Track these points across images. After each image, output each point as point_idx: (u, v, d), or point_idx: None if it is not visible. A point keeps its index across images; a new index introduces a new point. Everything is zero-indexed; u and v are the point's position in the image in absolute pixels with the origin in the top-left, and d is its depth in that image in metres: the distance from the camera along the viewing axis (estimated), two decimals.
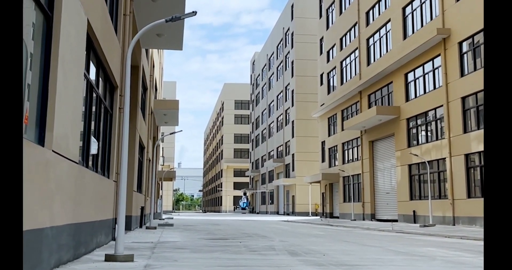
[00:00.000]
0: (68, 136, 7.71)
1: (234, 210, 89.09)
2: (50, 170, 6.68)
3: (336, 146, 48.29)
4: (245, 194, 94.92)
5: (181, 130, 25.76)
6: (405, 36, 34.45)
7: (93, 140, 10.85)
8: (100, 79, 11.70)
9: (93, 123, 10.88)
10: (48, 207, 6.65)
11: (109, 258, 8.65)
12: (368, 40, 41.11)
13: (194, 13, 9.27)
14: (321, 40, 54.80)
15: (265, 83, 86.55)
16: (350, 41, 45.47)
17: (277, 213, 75.10)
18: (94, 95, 10.91)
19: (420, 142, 32.13)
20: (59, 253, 7.51)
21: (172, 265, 8.25)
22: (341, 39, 47.84)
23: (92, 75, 10.67)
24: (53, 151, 6.81)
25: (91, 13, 9.48)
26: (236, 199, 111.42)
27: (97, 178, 11.04)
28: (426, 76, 31.38)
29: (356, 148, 43.38)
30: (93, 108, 10.92)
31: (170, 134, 26.80)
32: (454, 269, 8.20)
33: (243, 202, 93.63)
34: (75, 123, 8.22)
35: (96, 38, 10.14)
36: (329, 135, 50.75)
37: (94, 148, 11.08)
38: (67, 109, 7.59)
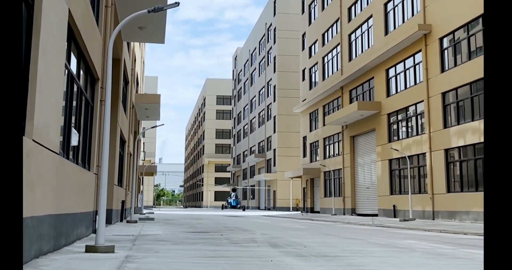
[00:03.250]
0: (49, 126, 7.65)
1: (222, 208, 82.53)
2: (31, 160, 6.63)
3: (318, 141, 48.45)
4: (234, 190, 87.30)
5: (163, 124, 25.67)
6: (386, 32, 34.63)
7: (73, 131, 10.78)
8: (81, 70, 11.62)
9: (74, 114, 10.81)
10: (28, 197, 6.59)
11: (89, 249, 8.60)
12: (350, 35, 41.25)
13: (177, 4, 9.22)
14: (303, 35, 54.89)
15: (247, 79, 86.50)
16: (332, 37, 45.60)
17: (258, 208, 75.24)
18: (75, 86, 10.83)
19: (400, 137, 32.35)
20: (40, 244, 7.46)
21: (153, 256, 8.24)
22: (323, 35, 47.95)
23: (73, 66, 10.59)
24: (33, 140, 6.76)
25: (73, 3, 9.40)
26: (218, 195, 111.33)
27: (78, 170, 10.96)
28: (407, 71, 31.58)
29: (337, 143, 43.56)
30: (74, 100, 10.84)
31: (152, 127, 26.67)
32: (434, 260, 8.28)
33: (233, 200, 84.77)
34: (55, 114, 8.15)
35: (77, 28, 10.06)
36: (310, 130, 50.91)
37: (74, 140, 11.00)
38: (48, 99, 7.52)
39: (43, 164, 7.37)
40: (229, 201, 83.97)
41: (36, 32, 6.94)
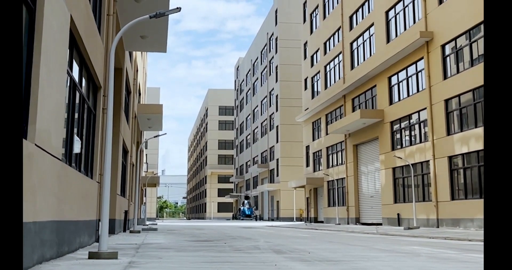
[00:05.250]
0: (51, 131, 7.63)
1: (235, 218, 74.47)
2: (32, 164, 6.60)
3: (321, 150, 48.36)
4: (247, 198, 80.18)
5: (165, 133, 25.68)
6: (388, 39, 34.65)
7: (76, 138, 10.75)
8: (83, 78, 11.61)
9: (76, 122, 10.79)
10: (30, 201, 6.56)
11: (92, 255, 8.55)
12: (351, 44, 41.29)
13: (178, 9, 9.22)
14: (305, 44, 54.96)
15: (249, 89, 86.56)
16: (334, 45, 45.64)
17: (262, 218, 74.95)
18: (78, 93, 10.82)
19: (404, 145, 32.26)
20: (42, 249, 7.41)
21: (157, 262, 8.18)
22: (325, 44, 48.01)
23: (75, 74, 10.59)
24: (35, 144, 6.73)
25: (74, 10, 9.42)
26: (222, 206, 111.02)
27: (81, 178, 10.93)
28: (410, 79, 31.56)
29: (340, 152, 43.46)
30: (76, 107, 10.83)
31: (154, 137, 26.69)
32: (439, 264, 8.21)
33: (247, 208, 77.02)
34: (58, 119, 8.13)
35: (79, 36, 10.07)
36: (313, 140, 50.82)
37: (77, 147, 10.98)
38: (50, 104, 7.51)
39: (45, 168, 7.33)
40: (242, 209, 77.54)
41: (38, 36, 6.94)
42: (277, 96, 67.64)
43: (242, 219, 75.30)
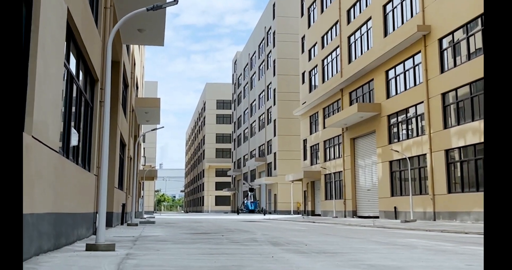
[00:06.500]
0: (48, 123, 7.64)
1: (238, 213, 70.98)
2: (30, 156, 6.61)
3: (318, 144, 48.41)
4: (251, 190, 73.58)
5: (163, 127, 25.71)
6: (385, 33, 34.64)
7: (73, 131, 10.76)
8: (81, 71, 11.61)
9: (73, 114, 10.79)
10: (27, 193, 6.57)
11: (90, 247, 8.57)
12: (349, 38, 41.27)
13: (175, 1, 9.20)
14: (302, 38, 54.91)
15: (247, 83, 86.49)
16: (331, 39, 45.62)
17: (264, 212, 74.98)
18: (75, 86, 10.82)
19: (401, 138, 32.32)
20: (39, 242, 7.43)
21: (154, 254, 8.22)
22: (322, 38, 47.97)
23: (73, 67, 10.58)
24: (32, 136, 6.74)
25: (71, 2, 9.40)
26: (219, 200, 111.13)
27: (78, 170, 10.94)
28: (407, 73, 31.58)
29: (337, 145, 43.51)
30: (74, 100, 10.83)
31: (152, 130, 26.72)
32: (436, 256, 8.26)
33: (251, 202, 71.95)
34: (55, 111, 8.13)
35: (76, 28, 10.05)
36: (310, 133, 50.87)
37: (74, 140, 10.98)
38: (47, 96, 7.51)
39: (42, 161, 7.35)
40: (245, 203, 73.60)
41: (35, 29, 6.94)
42: (274, 90, 67.62)
43: (240, 213, 73.11)
